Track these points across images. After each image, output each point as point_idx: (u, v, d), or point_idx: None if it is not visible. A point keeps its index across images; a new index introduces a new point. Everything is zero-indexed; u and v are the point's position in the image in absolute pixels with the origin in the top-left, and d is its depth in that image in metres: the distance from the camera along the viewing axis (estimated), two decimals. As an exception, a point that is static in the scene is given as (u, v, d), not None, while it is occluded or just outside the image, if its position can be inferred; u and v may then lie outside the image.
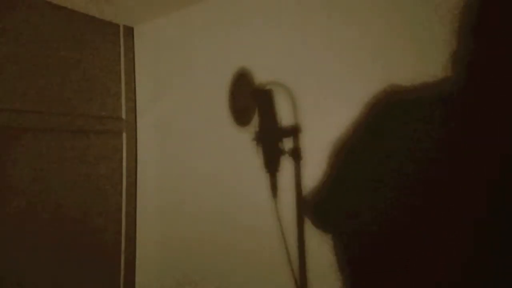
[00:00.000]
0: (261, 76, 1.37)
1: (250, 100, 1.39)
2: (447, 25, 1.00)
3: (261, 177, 1.34)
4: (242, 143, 1.40)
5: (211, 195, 1.51)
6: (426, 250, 0.99)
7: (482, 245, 0.92)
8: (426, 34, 1.04)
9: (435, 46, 1.02)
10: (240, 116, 1.42)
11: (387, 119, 1.07)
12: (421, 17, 1.05)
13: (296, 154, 1.26)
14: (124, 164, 1.74)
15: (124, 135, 1.74)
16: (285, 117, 1.30)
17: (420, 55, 1.05)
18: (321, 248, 1.21)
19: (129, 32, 1.82)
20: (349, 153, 1.15)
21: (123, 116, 1.75)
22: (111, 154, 1.69)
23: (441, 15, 1.01)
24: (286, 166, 1.29)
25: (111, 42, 1.74)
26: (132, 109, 1.80)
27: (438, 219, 0.98)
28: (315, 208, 1.20)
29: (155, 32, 1.76)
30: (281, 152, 1.29)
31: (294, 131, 1.27)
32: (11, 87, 1.35)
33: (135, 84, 1.82)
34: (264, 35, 1.38)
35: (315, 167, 1.23)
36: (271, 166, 1.32)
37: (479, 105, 0.93)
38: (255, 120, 1.36)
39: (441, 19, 1.01)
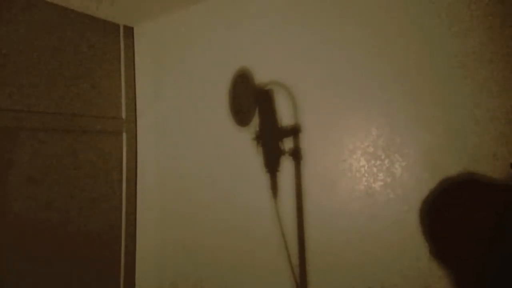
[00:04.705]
0: (261, 76, 1.37)
1: (250, 100, 1.39)
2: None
3: (261, 177, 1.34)
4: (242, 143, 1.39)
5: (211, 195, 1.51)
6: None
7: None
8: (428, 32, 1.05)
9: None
10: (240, 116, 1.42)
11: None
12: (421, 17, 1.06)
13: (296, 154, 1.26)
14: (124, 164, 1.73)
15: (124, 135, 1.74)
16: (285, 117, 1.30)
17: (424, 46, 1.05)
18: (321, 248, 1.21)
19: (129, 32, 1.82)
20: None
21: (123, 116, 1.75)
22: (111, 154, 1.69)
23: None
24: (286, 166, 1.29)
25: (111, 42, 1.74)
26: (132, 109, 1.80)
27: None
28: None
29: (155, 32, 1.76)
30: (281, 152, 1.29)
31: (294, 131, 1.27)
32: (11, 87, 1.35)
33: (135, 84, 1.82)
34: (264, 35, 1.38)
35: (315, 167, 1.23)
36: (271, 166, 1.32)
37: None
38: (255, 120, 1.36)
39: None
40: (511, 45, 0.93)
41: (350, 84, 1.17)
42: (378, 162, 1.12)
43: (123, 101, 1.76)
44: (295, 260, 1.24)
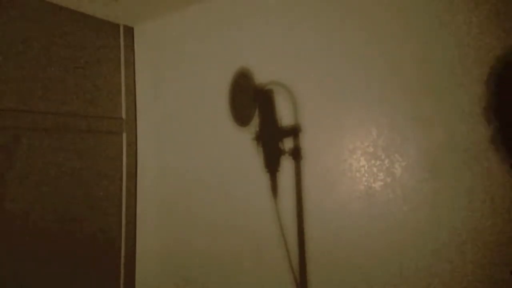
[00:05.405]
0: (261, 76, 1.37)
1: (250, 100, 1.39)
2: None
3: (261, 177, 1.34)
4: (242, 143, 1.39)
5: (211, 195, 1.51)
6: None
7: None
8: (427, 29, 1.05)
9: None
10: (240, 116, 1.42)
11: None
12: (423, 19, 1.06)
13: (296, 154, 1.26)
14: (124, 164, 1.73)
15: (124, 135, 1.74)
16: (285, 117, 1.30)
17: (424, 46, 1.05)
18: (321, 248, 1.21)
19: (129, 32, 1.82)
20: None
21: (123, 116, 1.75)
22: (111, 154, 1.69)
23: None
24: (286, 166, 1.29)
25: (111, 42, 1.74)
26: (132, 109, 1.80)
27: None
28: None
29: (155, 32, 1.76)
30: (281, 152, 1.29)
31: (294, 131, 1.27)
32: (11, 87, 1.35)
33: (135, 84, 1.82)
34: (264, 35, 1.38)
35: (315, 167, 1.23)
36: (271, 166, 1.32)
37: None
38: (255, 120, 1.36)
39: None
40: (510, 43, 0.93)
41: (350, 84, 1.17)
42: (378, 162, 1.12)
43: (123, 101, 1.76)
44: (295, 260, 1.24)
